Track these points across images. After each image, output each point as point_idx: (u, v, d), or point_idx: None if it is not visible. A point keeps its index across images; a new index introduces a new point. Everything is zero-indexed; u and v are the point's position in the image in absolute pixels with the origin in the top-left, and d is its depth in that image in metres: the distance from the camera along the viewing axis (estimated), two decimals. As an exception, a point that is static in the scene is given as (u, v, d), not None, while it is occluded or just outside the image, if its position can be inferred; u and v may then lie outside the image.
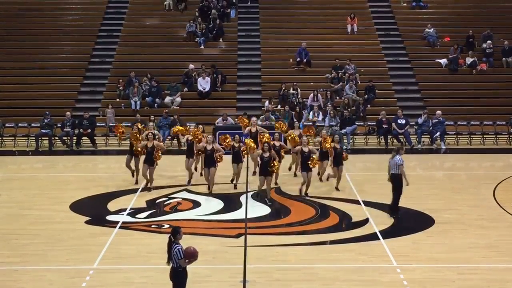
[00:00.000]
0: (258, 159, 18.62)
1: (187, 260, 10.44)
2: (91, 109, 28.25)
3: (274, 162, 17.66)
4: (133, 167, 19.68)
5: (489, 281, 12.69)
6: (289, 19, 34.51)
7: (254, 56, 32.60)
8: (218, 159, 18.63)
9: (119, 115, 28.55)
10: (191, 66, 30.59)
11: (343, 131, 26.31)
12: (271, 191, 18.22)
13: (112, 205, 17.67)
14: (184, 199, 18.26)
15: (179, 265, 10.46)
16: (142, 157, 19.18)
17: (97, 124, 27.29)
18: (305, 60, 31.31)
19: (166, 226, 16.16)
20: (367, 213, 17.08)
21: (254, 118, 21.97)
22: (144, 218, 16.78)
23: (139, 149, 19.01)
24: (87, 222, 16.51)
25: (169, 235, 10.68)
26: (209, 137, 18.79)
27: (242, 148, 19.01)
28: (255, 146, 18.75)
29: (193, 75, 30.34)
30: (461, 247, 14.71)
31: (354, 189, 18.91)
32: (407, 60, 32.35)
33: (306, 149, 18.20)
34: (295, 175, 20.46)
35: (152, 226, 16.20)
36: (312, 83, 30.30)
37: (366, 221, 16.50)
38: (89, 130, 26.48)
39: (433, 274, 13.09)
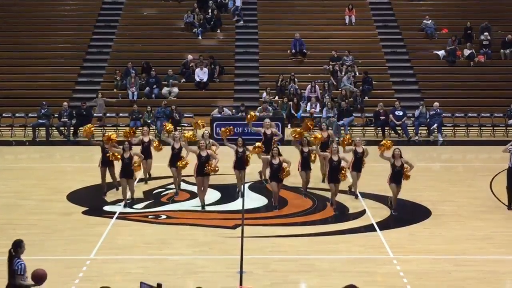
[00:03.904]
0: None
1: (26, 278, 9.68)
2: (88, 99, 28.17)
3: (286, 169, 16.48)
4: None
5: (486, 272, 12.73)
6: (287, 10, 34.44)
7: (252, 47, 32.52)
8: (212, 168, 16.40)
9: (116, 105, 28.52)
10: (190, 56, 30.52)
11: (341, 122, 26.33)
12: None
13: (109, 196, 17.67)
14: (181, 189, 18.23)
15: (17, 282, 9.66)
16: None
17: (94, 114, 27.25)
18: (295, 51, 31.25)
19: (163, 216, 16.19)
20: (364, 204, 17.11)
21: (267, 120, 19.79)
22: (141, 208, 16.79)
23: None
24: (84, 213, 16.53)
25: (9, 248, 9.84)
26: (202, 142, 16.78)
27: (248, 153, 17.38)
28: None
29: (190, 65, 30.29)
30: (458, 238, 14.75)
31: (351, 180, 18.88)
32: (405, 51, 32.30)
33: (335, 158, 16.39)
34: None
35: (149, 216, 16.22)
36: (309, 74, 30.28)
37: (363, 212, 16.54)
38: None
39: (429, 265, 13.13)
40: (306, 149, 17.28)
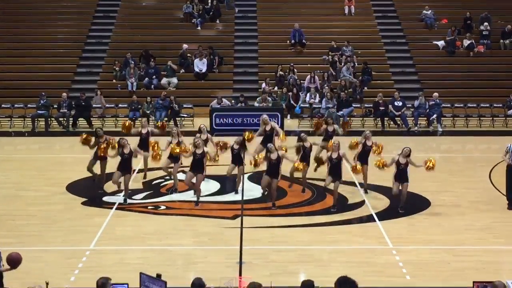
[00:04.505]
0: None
1: (2, 266, 9.68)
2: (87, 90, 28.15)
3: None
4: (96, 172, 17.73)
5: (484, 263, 12.77)
6: (286, 0, 34.33)
7: (251, 38, 32.47)
8: (217, 156, 16.64)
9: (115, 96, 28.49)
10: (185, 46, 30.35)
11: (340, 113, 26.32)
12: None
13: (108, 186, 17.65)
14: (180, 180, 18.19)
15: None
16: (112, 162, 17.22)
17: (93, 105, 27.22)
18: (294, 41, 31.18)
19: (163, 207, 16.20)
20: (363, 195, 17.11)
21: (265, 116, 18.82)
22: (141, 199, 16.80)
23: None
24: (83, 203, 16.54)
25: None
26: (197, 140, 16.32)
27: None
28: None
29: (187, 55, 30.19)
30: (457, 229, 14.78)
31: (350, 171, 18.87)
32: (405, 42, 32.25)
33: (335, 155, 15.84)
34: None
35: (149, 207, 16.24)
36: (309, 65, 30.24)
37: (362, 203, 16.55)
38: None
39: (428, 256, 13.16)
40: (307, 144, 17.05)
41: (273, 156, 15.86)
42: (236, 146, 16.92)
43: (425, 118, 26.81)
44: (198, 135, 17.43)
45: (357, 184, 17.55)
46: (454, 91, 28.96)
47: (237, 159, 16.98)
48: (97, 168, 17.61)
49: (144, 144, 17.95)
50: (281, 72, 28.95)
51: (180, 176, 18.05)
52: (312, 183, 17.88)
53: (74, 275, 12.11)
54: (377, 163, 16.22)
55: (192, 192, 17.04)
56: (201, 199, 16.54)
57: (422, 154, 22.08)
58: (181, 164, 17.28)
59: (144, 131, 18.19)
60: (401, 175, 15.71)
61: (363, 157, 17.03)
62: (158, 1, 34.49)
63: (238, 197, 17.02)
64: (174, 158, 17.14)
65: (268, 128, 18.34)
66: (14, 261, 9.59)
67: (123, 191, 16.61)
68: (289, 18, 32.71)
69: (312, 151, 17.47)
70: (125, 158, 16.31)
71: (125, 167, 16.35)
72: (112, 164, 17.13)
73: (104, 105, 27.41)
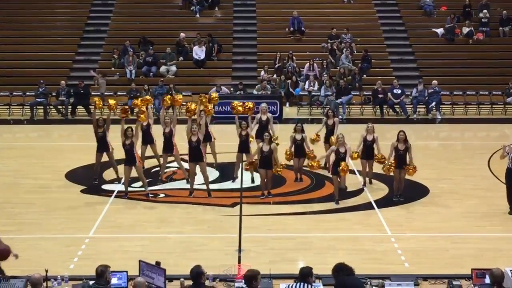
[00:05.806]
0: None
1: None
2: (85, 78, 28.10)
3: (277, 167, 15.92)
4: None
5: (483, 250, 12.80)
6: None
7: (250, 25, 32.40)
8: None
9: (114, 84, 28.45)
10: (182, 35, 30.23)
11: (339, 101, 26.29)
12: None
13: (107, 174, 17.66)
14: (180, 168, 18.19)
15: None
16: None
17: (92, 93, 27.17)
18: (293, 29, 31.09)
19: (162, 195, 16.21)
20: (364, 184, 17.09)
21: (263, 104, 18.64)
22: (140, 187, 16.79)
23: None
24: (82, 191, 16.55)
25: None
26: (194, 127, 15.85)
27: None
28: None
29: (184, 43, 30.08)
30: (455, 216, 14.81)
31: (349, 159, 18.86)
32: (404, 29, 32.17)
33: (342, 149, 15.33)
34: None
35: (148, 195, 16.22)
36: (308, 53, 30.18)
37: (361, 191, 16.56)
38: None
39: (427, 243, 13.19)
40: (298, 137, 16.73)
41: (266, 147, 15.68)
42: (243, 132, 16.71)
43: (424, 106, 26.79)
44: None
45: (356, 172, 17.54)
46: (453, 79, 28.92)
47: (245, 147, 16.79)
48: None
49: (146, 136, 17.48)
50: (282, 62, 28.85)
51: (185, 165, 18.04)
52: (311, 171, 17.86)
53: (74, 262, 12.14)
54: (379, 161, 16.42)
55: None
56: (201, 187, 16.48)
57: (421, 142, 22.15)
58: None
59: (144, 123, 17.49)
60: (400, 161, 15.59)
61: (365, 154, 16.61)
62: (157, -12, 34.34)
63: (237, 184, 17.03)
64: (168, 148, 16.94)
65: (264, 118, 18.02)
66: (2, 255, 9.52)
67: (125, 189, 16.18)
68: (288, 5, 32.59)
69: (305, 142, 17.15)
70: (126, 149, 15.81)
71: (129, 159, 15.84)
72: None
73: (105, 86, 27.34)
